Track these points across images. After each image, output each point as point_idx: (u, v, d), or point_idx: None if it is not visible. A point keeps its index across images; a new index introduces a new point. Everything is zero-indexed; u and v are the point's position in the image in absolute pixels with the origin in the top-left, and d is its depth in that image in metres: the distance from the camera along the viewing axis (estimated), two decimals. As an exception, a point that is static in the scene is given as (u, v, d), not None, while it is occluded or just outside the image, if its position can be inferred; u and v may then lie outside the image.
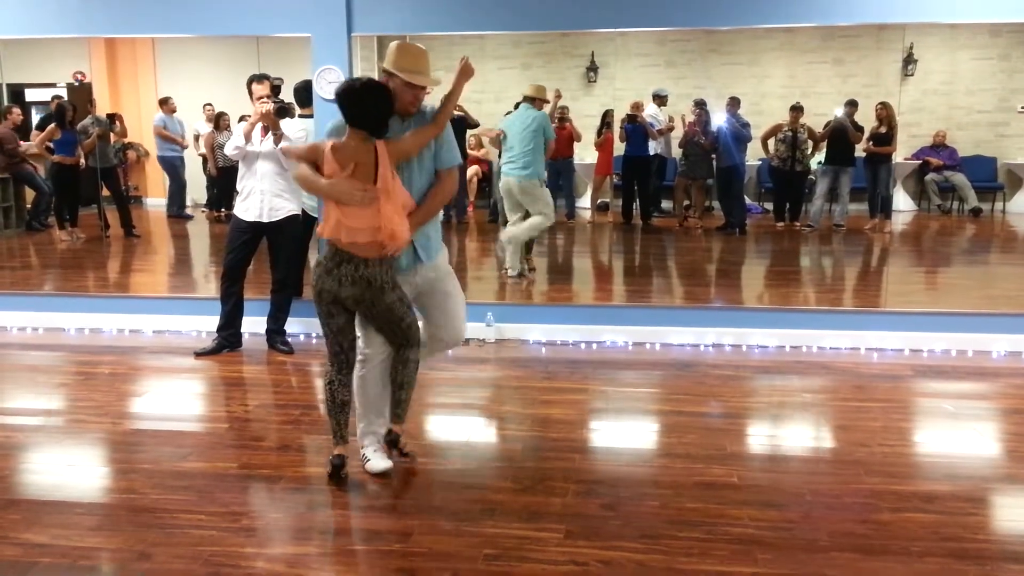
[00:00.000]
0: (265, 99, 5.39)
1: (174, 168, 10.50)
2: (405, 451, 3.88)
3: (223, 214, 9.89)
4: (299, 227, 5.79)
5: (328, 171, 3.48)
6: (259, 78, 5.53)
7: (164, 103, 10.38)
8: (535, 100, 7.57)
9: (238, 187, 5.66)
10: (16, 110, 9.30)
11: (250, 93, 5.52)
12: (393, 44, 3.63)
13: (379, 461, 3.79)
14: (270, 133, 5.40)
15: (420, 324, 3.83)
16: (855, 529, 3.29)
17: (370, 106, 3.44)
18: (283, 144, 5.13)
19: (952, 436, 4.35)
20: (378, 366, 3.74)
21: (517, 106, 7.91)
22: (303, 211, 5.99)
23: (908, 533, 3.25)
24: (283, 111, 5.41)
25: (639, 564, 3.04)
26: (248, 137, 5.47)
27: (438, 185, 3.71)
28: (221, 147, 9.26)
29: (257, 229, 5.61)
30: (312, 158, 3.55)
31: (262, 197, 5.55)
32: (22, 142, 9.19)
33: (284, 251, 5.72)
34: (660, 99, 10.17)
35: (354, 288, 3.49)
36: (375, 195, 3.41)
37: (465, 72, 3.80)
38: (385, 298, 3.53)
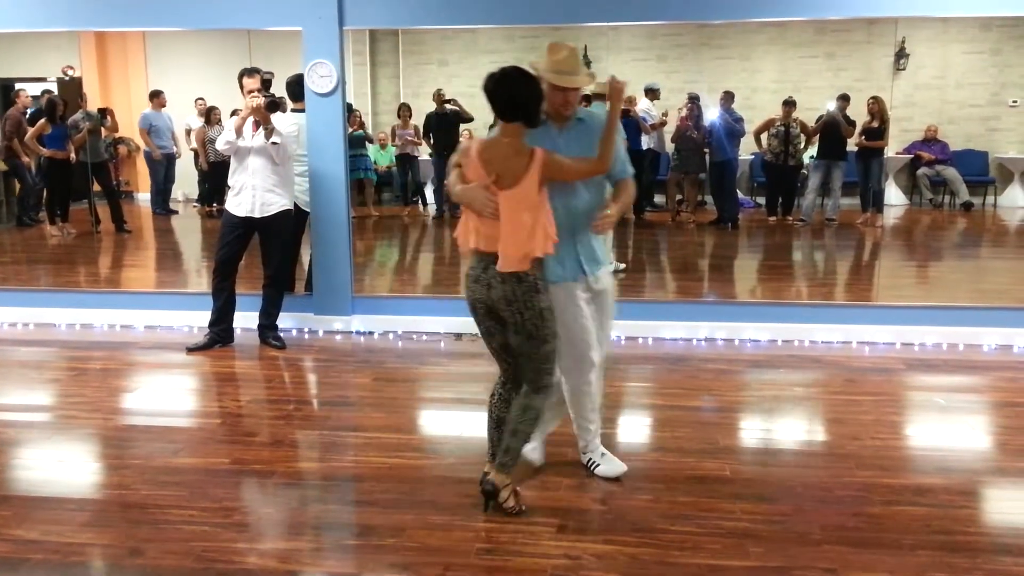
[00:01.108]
0: (256, 93, 5.36)
1: (155, 167, 10.44)
2: (507, 506, 3.35)
3: (215, 209, 9.87)
4: (291, 222, 5.77)
5: (471, 174, 3.25)
6: (250, 72, 5.50)
7: (154, 97, 10.33)
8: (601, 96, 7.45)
9: (230, 182, 5.64)
10: (24, 92, 9.23)
11: (241, 87, 5.50)
12: (548, 45, 3.39)
13: (610, 464, 3.67)
14: (262, 128, 5.38)
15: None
16: (847, 522, 3.30)
17: (519, 91, 3.16)
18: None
19: (943, 429, 4.36)
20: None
21: (628, 102, 7.76)
22: (296, 206, 5.98)
23: (899, 526, 3.26)
24: (273, 105, 5.39)
25: (632, 557, 3.04)
26: (239, 132, 5.44)
27: (620, 194, 3.50)
28: (212, 142, 9.25)
29: (249, 224, 5.58)
30: (460, 160, 3.33)
31: (254, 192, 5.52)
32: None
33: (276, 246, 5.70)
34: (652, 93, 10.17)
35: (504, 286, 3.21)
36: (498, 208, 3.18)
37: (617, 93, 3.32)
38: (538, 301, 3.22)
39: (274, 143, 5.40)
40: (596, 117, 3.46)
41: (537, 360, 3.29)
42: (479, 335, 3.45)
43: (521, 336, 3.26)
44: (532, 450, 3.73)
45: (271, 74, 5.51)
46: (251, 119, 5.40)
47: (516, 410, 3.35)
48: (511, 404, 3.39)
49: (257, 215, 5.55)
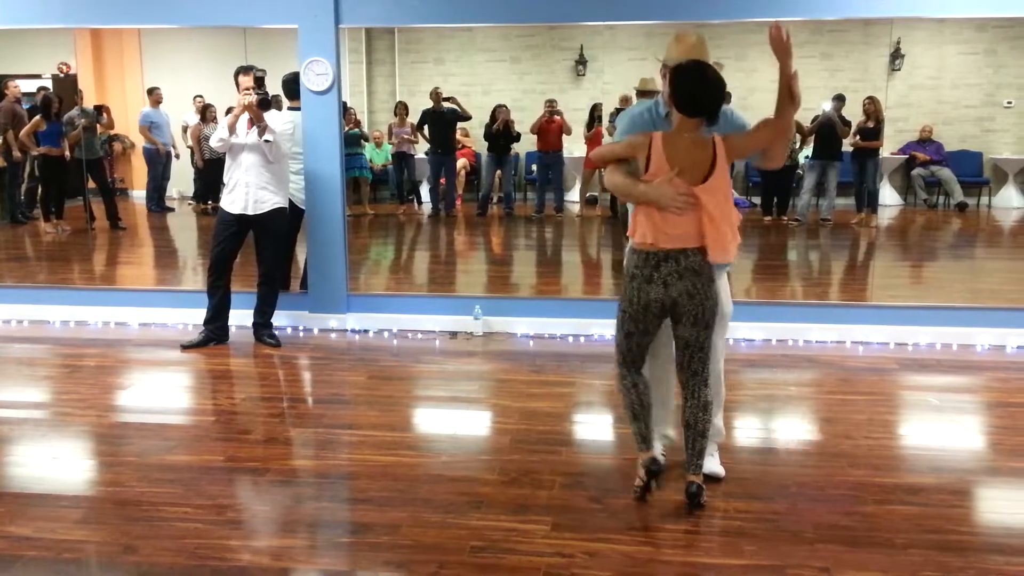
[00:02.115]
0: (249, 91, 5.36)
1: (155, 163, 10.44)
2: (703, 502, 3.38)
3: (209, 206, 9.86)
4: (285, 220, 5.77)
5: (655, 168, 3.17)
6: (245, 70, 5.51)
7: (150, 93, 10.32)
8: (651, 93, 7.43)
9: (224, 179, 5.64)
10: (14, 83, 9.20)
11: (237, 85, 5.50)
12: (673, 35, 3.35)
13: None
14: (256, 125, 5.38)
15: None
16: (840, 521, 3.31)
17: (710, 88, 3.11)
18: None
19: (936, 429, 4.38)
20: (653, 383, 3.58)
21: (624, 101, 7.76)
22: (291, 203, 5.98)
23: (892, 525, 3.28)
24: (265, 103, 5.38)
25: (625, 556, 3.05)
26: (232, 129, 5.44)
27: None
28: (208, 139, 9.24)
29: (243, 222, 5.58)
30: (631, 154, 3.24)
31: (247, 189, 5.52)
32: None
33: (269, 244, 5.69)
34: (648, 94, 10.16)
35: (683, 282, 3.18)
36: (697, 201, 3.14)
37: (782, 47, 3.16)
38: (714, 292, 3.25)
39: (267, 141, 5.39)
40: (730, 114, 3.41)
41: (706, 349, 3.34)
42: (632, 336, 3.37)
43: (699, 327, 3.29)
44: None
45: (264, 71, 5.50)
46: (245, 117, 5.40)
47: (700, 411, 3.36)
48: (690, 407, 3.39)
49: (250, 212, 5.54)
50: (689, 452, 3.39)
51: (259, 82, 5.45)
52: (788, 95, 3.21)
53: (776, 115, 3.24)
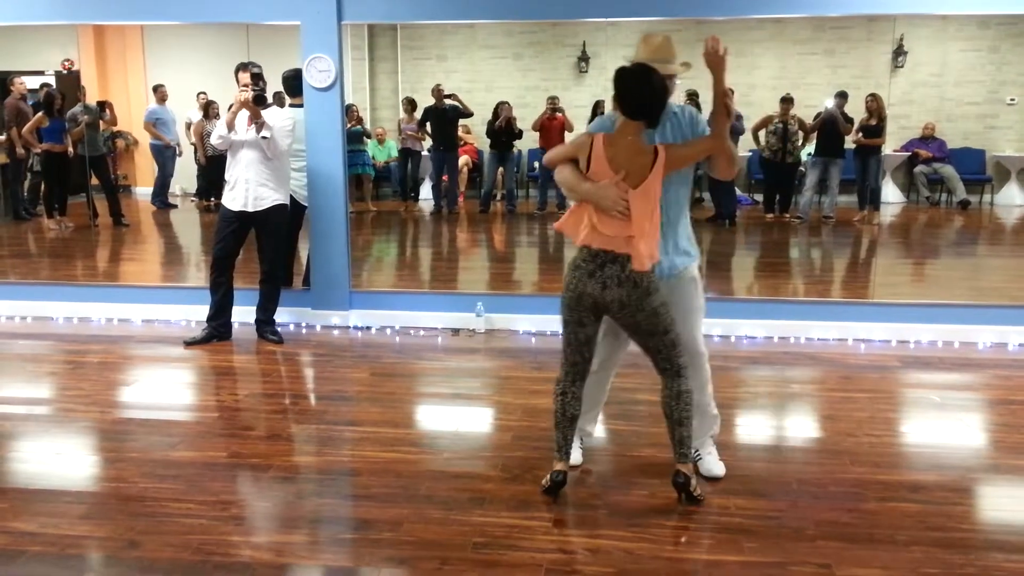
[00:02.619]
0: (246, 87, 5.36)
1: (163, 159, 10.45)
2: (696, 494, 3.40)
3: (212, 203, 9.87)
4: (285, 216, 5.77)
5: (596, 170, 3.21)
6: (243, 66, 5.51)
7: (155, 90, 10.32)
8: None
9: (226, 176, 5.64)
10: (20, 80, 9.21)
11: (237, 81, 5.51)
12: (640, 36, 3.37)
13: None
14: (253, 122, 5.38)
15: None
16: (841, 518, 3.32)
17: (650, 91, 3.13)
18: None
19: (938, 426, 4.38)
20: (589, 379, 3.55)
21: None
22: (293, 200, 5.98)
23: (894, 522, 3.28)
24: (260, 98, 5.36)
25: (626, 552, 3.05)
26: (231, 126, 5.44)
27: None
28: (210, 136, 9.24)
29: (243, 218, 5.59)
30: (575, 155, 3.28)
31: (247, 186, 5.52)
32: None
33: (271, 241, 5.70)
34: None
35: (620, 290, 3.21)
36: (629, 208, 3.17)
37: (717, 61, 3.25)
38: (652, 301, 3.24)
39: (263, 137, 5.39)
40: (688, 111, 3.44)
41: (666, 348, 3.33)
42: (568, 324, 3.37)
43: (640, 336, 3.33)
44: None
45: (259, 67, 5.49)
46: (245, 113, 5.40)
47: (672, 400, 3.37)
48: (664, 397, 3.40)
49: (250, 209, 5.55)
50: (671, 441, 3.42)
51: (255, 78, 5.44)
52: (723, 110, 3.26)
53: (712, 130, 3.30)
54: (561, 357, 3.47)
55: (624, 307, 3.24)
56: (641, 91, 3.15)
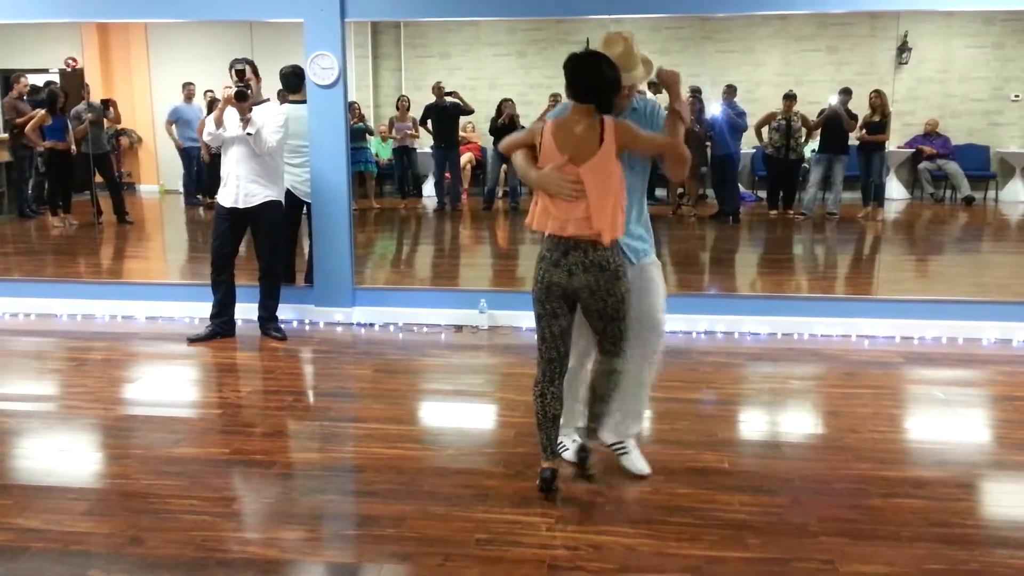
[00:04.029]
0: (234, 84, 5.34)
1: (188, 158, 10.44)
2: (590, 472, 3.43)
3: (215, 201, 9.87)
4: (278, 212, 5.70)
5: (545, 153, 3.23)
6: (236, 63, 5.50)
7: (184, 88, 10.30)
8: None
9: (221, 173, 5.64)
10: (24, 79, 9.22)
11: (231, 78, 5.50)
12: (603, 36, 3.36)
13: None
14: (240, 118, 5.35)
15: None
16: (844, 514, 3.31)
17: (597, 74, 3.14)
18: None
19: (942, 423, 4.37)
20: (568, 374, 3.52)
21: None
22: (294, 196, 5.97)
23: (897, 518, 3.28)
24: (242, 95, 5.30)
25: (629, 548, 3.05)
26: (218, 122, 5.42)
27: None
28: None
29: (236, 215, 5.56)
30: (531, 141, 3.30)
31: (238, 182, 5.51)
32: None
33: (265, 237, 5.66)
34: (654, 87, 10.15)
35: (587, 275, 3.20)
36: (582, 189, 3.15)
37: (670, 81, 3.31)
38: (621, 286, 3.24)
39: (248, 133, 5.35)
40: (648, 103, 3.46)
41: (619, 332, 3.34)
42: (542, 318, 3.35)
43: (603, 320, 3.30)
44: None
45: (244, 63, 5.44)
46: (234, 110, 5.36)
47: (604, 376, 3.37)
48: (596, 372, 3.40)
49: (241, 206, 5.52)
50: (587, 414, 3.45)
51: (240, 75, 5.41)
52: (676, 115, 3.28)
53: (669, 133, 3.31)
54: (537, 356, 3.44)
55: (594, 292, 3.23)
56: (589, 74, 3.16)
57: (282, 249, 5.96)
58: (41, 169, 9.38)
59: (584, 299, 3.26)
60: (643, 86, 3.78)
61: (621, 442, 3.71)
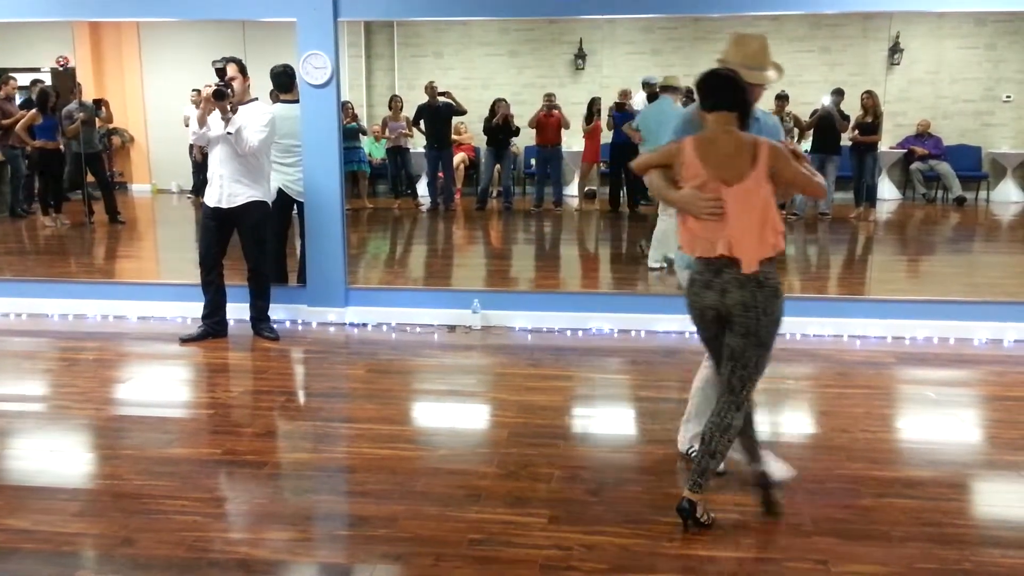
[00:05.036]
0: (214, 83, 5.31)
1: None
2: (703, 521, 3.17)
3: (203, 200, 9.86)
4: (262, 213, 5.63)
5: (688, 171, 3.07)
6: (224, 61, 5.48)
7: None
8: (674, 89, 7.44)
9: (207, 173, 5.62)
10: (12, 81, 9.17)
11: None
12: (732, 35, 3.29)
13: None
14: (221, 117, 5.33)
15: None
16: (837, 514, 3.32)
17: (724, 81, 3.06)
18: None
19: (933, 423, 4.39)
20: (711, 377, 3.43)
21: (650, 98, 7.83)
22: (285, 194, 5.95)
23: (889, 518, 3.28)
24: (219, 94, 5.26)
25: (622, 548, 3.05)
26: (201, 122, 5.39)
27: None
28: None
29: (221, 215, 5.53)
30: (667, 160, 3.15)
31: (221, 182, 5.48)
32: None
33: (251, 238, 5.61)
34: (648, 87, 10.17)
35: (742, 292, 3.04)
36: (723, 207, 3.02)
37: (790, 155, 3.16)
38: (777, 307, 3.09)
39: (228, 133, 5.31)
40: (772, 118, 3.41)
41: (752, 368, 3.13)
42: (705, 340, 3.29)
43: (749, 340, 3.10)
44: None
45: (222, 61, 5.41)
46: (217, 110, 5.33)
47: (715, 430, 3.14)
48: (711, 423, 3.18)
49: (224, 205, 5.49)
50: (693, 467, 3.23)
51: (220, 73, 5.38)
52: (801, 159, 3.19)
53: (818, 183, 3.18)
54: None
55: (748, 309, 3.05)
56: (715, 80, 3.09)
57: (269, 249, 5.92)
58: (26, 169, 9.32)
59: (737, 315, 3.08)
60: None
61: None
